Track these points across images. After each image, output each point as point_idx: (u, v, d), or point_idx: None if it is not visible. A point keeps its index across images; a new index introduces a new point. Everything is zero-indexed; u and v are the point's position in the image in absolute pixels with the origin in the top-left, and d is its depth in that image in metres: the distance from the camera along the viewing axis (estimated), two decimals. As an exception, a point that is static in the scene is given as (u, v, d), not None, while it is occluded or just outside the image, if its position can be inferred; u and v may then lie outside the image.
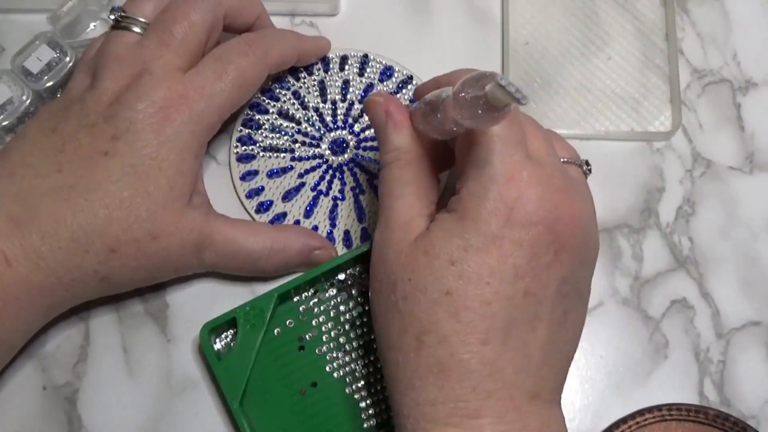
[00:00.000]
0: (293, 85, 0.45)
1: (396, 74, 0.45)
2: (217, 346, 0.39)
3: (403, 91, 0.45)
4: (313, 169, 0.44)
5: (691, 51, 0.47)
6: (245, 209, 0.43)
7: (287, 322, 0.40)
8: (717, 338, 0.41)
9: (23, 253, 0.35)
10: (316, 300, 0.40)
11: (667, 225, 0.43)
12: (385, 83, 0.45)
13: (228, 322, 0.39)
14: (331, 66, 0.46)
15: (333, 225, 0.42)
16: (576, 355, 0.40)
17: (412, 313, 0.32)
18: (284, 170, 0.43)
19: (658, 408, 0.39)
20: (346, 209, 0.43)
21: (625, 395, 0.40)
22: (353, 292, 0.41)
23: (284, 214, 0.43)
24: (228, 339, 0.40)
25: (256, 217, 0.43)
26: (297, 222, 0.43)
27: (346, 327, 0.40)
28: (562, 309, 0.32)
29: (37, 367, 0.40)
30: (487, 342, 0.31)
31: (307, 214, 0.43)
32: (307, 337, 0.40)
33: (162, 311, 0.41)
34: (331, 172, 0.44)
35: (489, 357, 0.31)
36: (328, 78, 0.45)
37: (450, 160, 0.37)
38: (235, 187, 0.43)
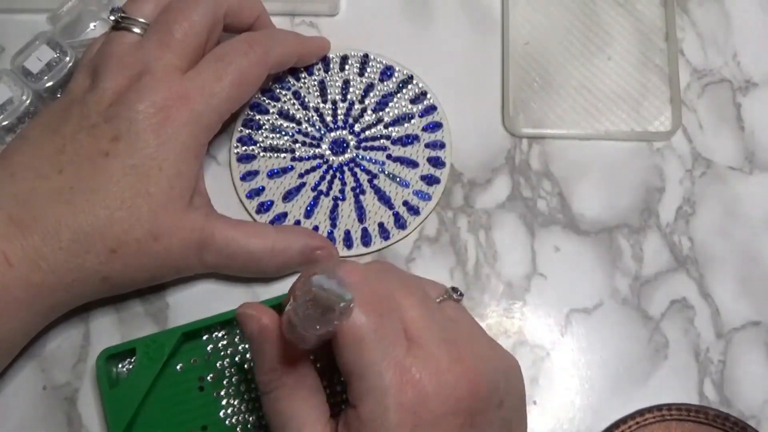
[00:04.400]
0: (293, 85, 0.45)
1: (396, 74, 0.45)
2: (119, 370, 0.39)
3: (404, 90, 0.45)
4: (313, 169, 0.44)
5: (691, 51, 0.47)
6: (246, 209, 0.43)
7: (192, 360, 0.40)
8: (717, 338, 0.41)
9: (24, 253, 0.35)
10: (225, 342, 0.40)
11: (667, 225, 0.43)
12: (385, 83, 0.45)
13: (130, 350, 0.39)
14: (331, 66, 0.46)
15: (333, 225, 0.42)
16: (576, 355, 0.41)
17: None
18: (285, 170, 0.43)
19: (658, 408, 0.39)
20: (346, 209, 0.43)
21: (625, 395, 0.40)
22: None
23: (285, 215, 0.43)
24: (131, 366, 0.39)
25: (257, 217, 0.43)
26: (297, 222, 0.43)
27: (248, 375, 0.39)
28: None
29: (37, 367, 0.40)
30: None
31: (308, 214, 0.43)
32: (208, 378, 0.39)
33: (162, 311, 0.41)
34: (331, 172, 0.44)
35: None
36: (328, 78, 0.45)
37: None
38: (235, 187, 0.43)
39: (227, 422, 0.39)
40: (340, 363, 0.30)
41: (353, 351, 0.29)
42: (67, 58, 0.43)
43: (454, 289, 0.35)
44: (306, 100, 0.45)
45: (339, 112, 0.45)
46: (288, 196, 0.43)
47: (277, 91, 0.45)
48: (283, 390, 0.31)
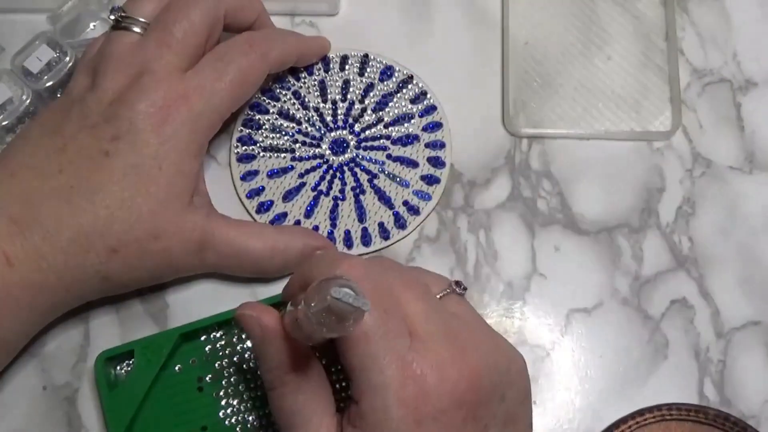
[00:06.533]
0: (293, 85, 0.45)
1: (396, 74, 0.45)
2: (117, 372, 0.39)
3: (404, 90, 0.45)
4: (313, 169, 0.44)
5: (691, 51, 0.47)
6: (246, 209, 0.43)
7: (190, 360, 0.39)
8: (717, 338, 0.41)
9: (25, 253, 0.35)
10: (223, 342, 0.40)
11: (667, 225, 0.43)
12: (385, 83, 0.45)
13: (128, 352, 0.39)
14: (331, 66, 0.46)
15: (333, 225, 0.42)
16: (576, 355, 0.41)
17: None
18: (284, 170, 0.43)
19: (658, 408, 0.39)
20: (346, 209, 0.43)
21: (625, 395, 0.40)
22: None
23: (285, 215, 0.43)
24: (129, 368, 0.39)
25: (257, 217, 0.43)
26: (297, 222, 0.43)
27: (247, 375, 0.39)
28: None
29: (37, 367, 0.40)
30: None
31: (308, 214, 0.43)
32: (207, 378, 0.39)
33: (162, 311, 0.41)
34: (331, 172, 0.44)
35: None
36: (328, 78, 0.45)
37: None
38: (235, 187, 0.43)
39: (227, 422, 0.39)
40: (343, 359, 0.30)
41: (356, 347, 0.30)
42: (67, 58, 0.43)
43: (458, 283, 0.35)
44: (306, 99, 0.45)
45: (339, 112, 0.45)
46: (288, 196, 0.43)
47: (277, 91, 0.45)
48: (289, 386, 0.31)
